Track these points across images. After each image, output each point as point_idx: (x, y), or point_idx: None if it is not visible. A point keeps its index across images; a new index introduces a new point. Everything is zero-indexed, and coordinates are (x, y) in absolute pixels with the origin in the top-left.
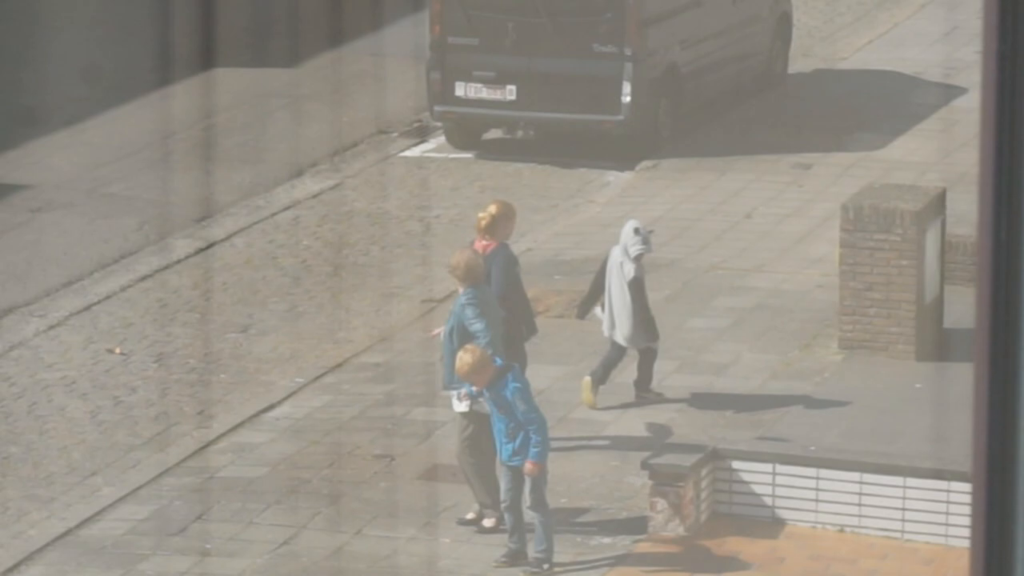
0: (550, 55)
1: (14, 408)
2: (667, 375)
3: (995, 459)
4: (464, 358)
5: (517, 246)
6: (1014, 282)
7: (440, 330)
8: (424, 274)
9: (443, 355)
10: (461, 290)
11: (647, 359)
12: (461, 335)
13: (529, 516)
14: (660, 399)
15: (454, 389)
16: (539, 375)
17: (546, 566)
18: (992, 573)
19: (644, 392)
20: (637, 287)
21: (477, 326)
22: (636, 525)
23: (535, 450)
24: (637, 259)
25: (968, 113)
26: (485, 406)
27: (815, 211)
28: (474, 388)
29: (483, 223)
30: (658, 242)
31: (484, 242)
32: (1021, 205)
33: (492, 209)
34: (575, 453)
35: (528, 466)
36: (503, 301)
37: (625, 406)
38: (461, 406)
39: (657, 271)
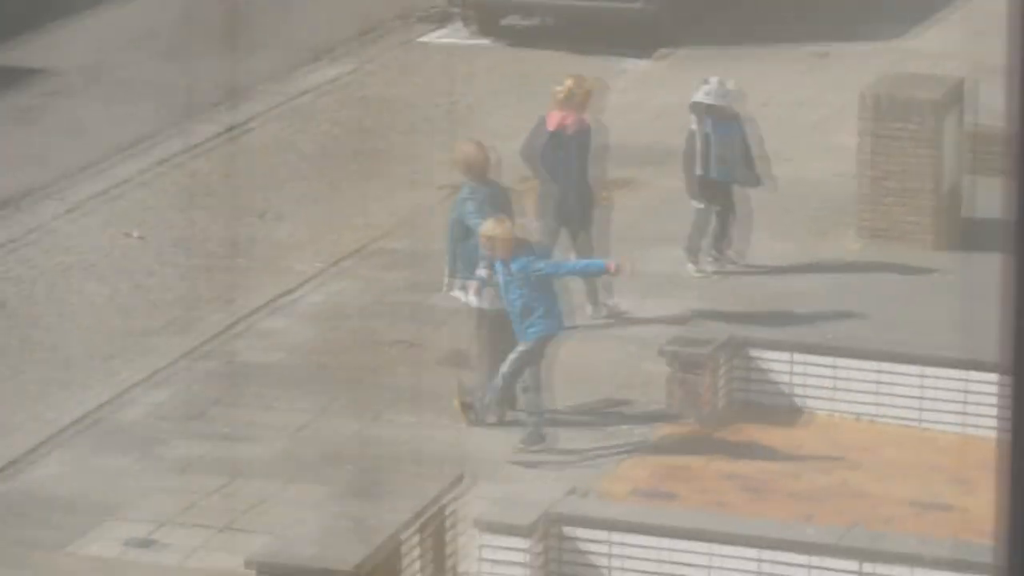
0: None
1: (33, 291)
2: (683, 263)
3: None
4: (491, 226)
5: None
6: None
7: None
8: (442, 160)
9: (448, 243)
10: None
11: (723, 220)
12: (462, 227)
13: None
14: (735, 263)
15: (456, 278)
16: None
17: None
18: (1018, 462)
19: (718, 254)
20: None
21: (474, 220)
22: (653, 413)
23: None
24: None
25: (991, 2)
26: (493, 299)
27: (832, 100)
28: (484, 272)
29: (560, 95)
30: (674, 129)
31: (563, 113)
32: None
33: (569, 82)
34: (592, 340)
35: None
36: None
37: (644, 293)
38: (462, 294)
39: (674, 160)
